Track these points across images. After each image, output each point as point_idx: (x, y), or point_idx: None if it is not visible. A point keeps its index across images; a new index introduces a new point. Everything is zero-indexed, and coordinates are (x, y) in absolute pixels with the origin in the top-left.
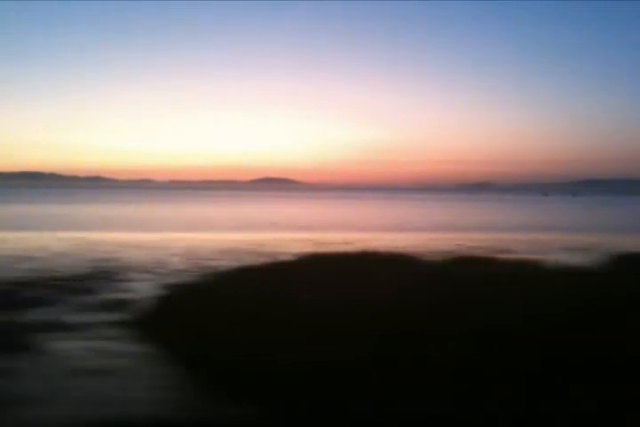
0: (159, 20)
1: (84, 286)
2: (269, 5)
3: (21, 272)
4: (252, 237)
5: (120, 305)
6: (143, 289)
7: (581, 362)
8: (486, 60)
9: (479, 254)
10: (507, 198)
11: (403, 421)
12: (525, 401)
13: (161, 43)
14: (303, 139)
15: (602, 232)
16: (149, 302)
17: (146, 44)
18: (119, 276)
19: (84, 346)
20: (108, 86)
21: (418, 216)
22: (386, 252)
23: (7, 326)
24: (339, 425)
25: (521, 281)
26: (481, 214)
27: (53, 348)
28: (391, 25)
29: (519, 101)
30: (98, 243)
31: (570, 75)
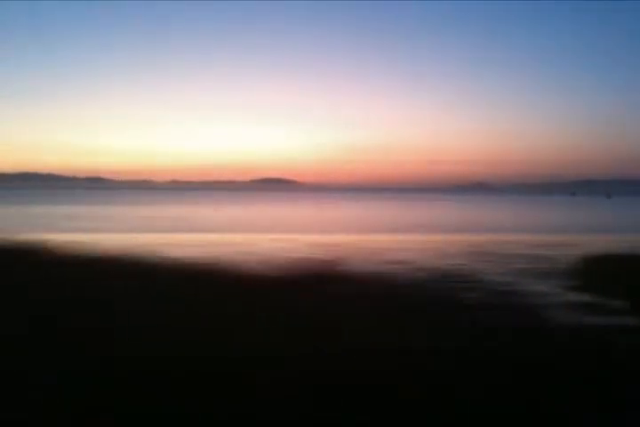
0: (159, 21)
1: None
2: (268, 5)
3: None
4: (450, 239)
5: None
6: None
7: None
8: (485, 61)
9: None
10: (554, 199)
11: None
12: None
13: (162, 44)
14: (301, 140)
15: None
16: None
17: (147, 45)
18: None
19: None
20: (108, 86)
21: (537, 218)
22: None
23: None
24: None
25: None
26: (590, 216)
27: None
28: (388, 25)
29: (518, 101)
30: (338, 245)
31: (570, 75)
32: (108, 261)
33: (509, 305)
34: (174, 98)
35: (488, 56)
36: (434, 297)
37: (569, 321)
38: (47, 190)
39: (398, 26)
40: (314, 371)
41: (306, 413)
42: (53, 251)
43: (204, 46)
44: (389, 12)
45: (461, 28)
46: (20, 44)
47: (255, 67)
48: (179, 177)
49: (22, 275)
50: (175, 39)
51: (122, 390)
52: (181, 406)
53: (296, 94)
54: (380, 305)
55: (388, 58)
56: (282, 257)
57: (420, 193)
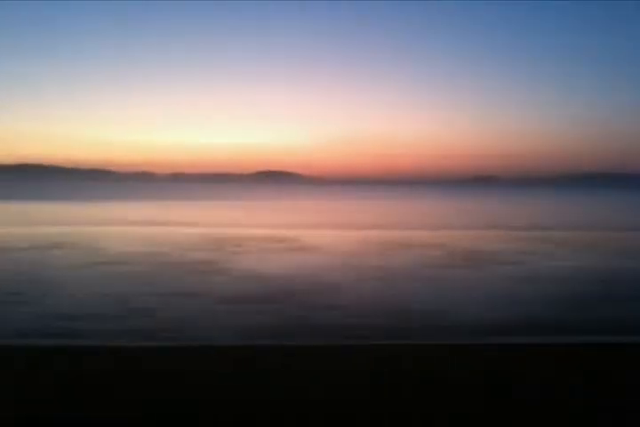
0: (160, 21)
1: None
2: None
3: None
4: None
5: None
6: None
7: None
8: (489, 61)
9: None
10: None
11: None
12: None
13: (159, 42)
14: (302, 133)
15: None
16: None
17: (146, 43)
18: None
19: None
20: (109, 82)
21: None
22: None
23: None
24: None
25: None
26: None
27: None
28: (386, 23)
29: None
30: None
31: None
32: None
33: None
34: (175, 92)
35: (497, 57)
36: None
37: None
38: (60, 183)
39: (399, 25)
40: None
41: None
42: None
43: (201, 44)
44: (395, 13)
45: (461, 27)
46: (24, 41)
47: (253, 65)
48: (178, 169)
49: None
50: (172, 39)
51: None
52: None
53: (297, 93)
54: None
55: (391, 55)
56: None
57: (431, 186)
